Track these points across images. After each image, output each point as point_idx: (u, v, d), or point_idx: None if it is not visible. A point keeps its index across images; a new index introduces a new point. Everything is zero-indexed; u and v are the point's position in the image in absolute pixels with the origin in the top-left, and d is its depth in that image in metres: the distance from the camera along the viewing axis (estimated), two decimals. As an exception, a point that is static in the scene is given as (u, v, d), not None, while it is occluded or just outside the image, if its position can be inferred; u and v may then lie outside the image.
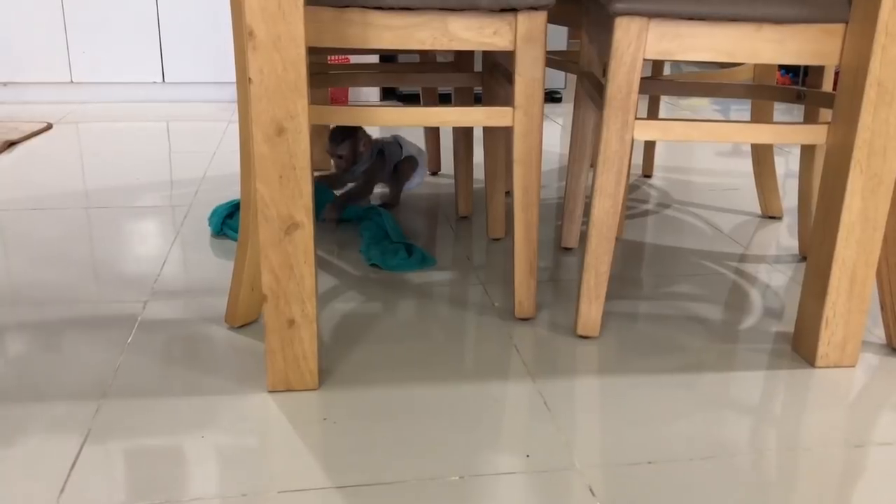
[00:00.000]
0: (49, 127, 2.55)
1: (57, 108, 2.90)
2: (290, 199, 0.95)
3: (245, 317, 1.19)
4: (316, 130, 2.10)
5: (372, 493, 0.84)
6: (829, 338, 1.11)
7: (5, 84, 2.94)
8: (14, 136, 2.35)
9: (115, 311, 1.25)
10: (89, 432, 0.93)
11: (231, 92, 3.10)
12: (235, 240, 1.57)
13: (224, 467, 0.87)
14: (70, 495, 0.82)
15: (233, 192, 1.89)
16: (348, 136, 1.72)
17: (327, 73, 1.73)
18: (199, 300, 1.29)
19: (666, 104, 3.22)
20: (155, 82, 3.01)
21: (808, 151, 1.54)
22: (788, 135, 1.09)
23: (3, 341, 1.15)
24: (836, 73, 1.09)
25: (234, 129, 2.61)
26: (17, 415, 0.96)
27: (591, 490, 0.85)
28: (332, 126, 1.74)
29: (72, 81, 2.95)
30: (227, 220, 1.60)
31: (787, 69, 3.60)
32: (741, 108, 3.22)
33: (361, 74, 1.71)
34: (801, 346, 1.16)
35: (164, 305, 1.27)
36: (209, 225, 1.62)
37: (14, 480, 0.84)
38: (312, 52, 1.65)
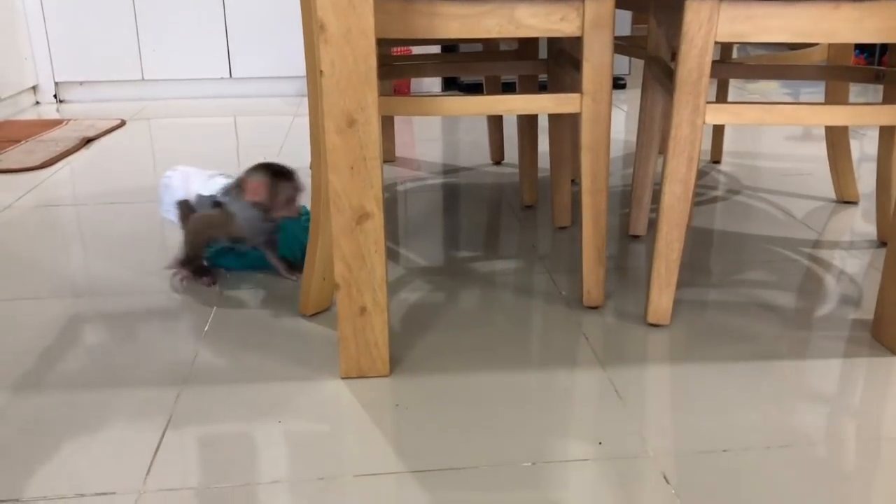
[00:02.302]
0: (122, 124, 2.63)
1: (129, 105, 2.99)
2: (361, 190, 0.97)
3: (317, 305, 1.21)
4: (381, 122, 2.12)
5: (445, 477, 0.85)
6: (912, 325, 1.07)
7: (81, 83, 3.05)
8: (91, 133, 2.44)
9: (190, 301, 1.29)
10: (171, 418, 0.96)
11: (297, 86, 3.14)
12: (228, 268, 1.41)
13: (300, 452, 0.90)
14: (156, 477, 0.85)
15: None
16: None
17: (392, 64, 1.75)
18: (272, 290, 1.32)
19: (734, 89, 3.14)
20: (223, 78, 3.08)
21: (887, 133, 1.49)
22: (867, 116, 1.06)
23: (85, 331, 1.19)
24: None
25: (301, 122, 2.65)
26: (102, 401, 1.00)
27: (665, 477, 0.84)
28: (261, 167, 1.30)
29: (143, 79, 3.04)
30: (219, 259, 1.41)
31: (861, 49, 3.48)
32: (813, 91, 3.12)
33: (427, 65, 1.72)
34: (881, 334, 1.12)
35: (239, 295, 1.30)
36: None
37: (104, 462, 0.88)
38: (378, 43, 1.66)
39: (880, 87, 1.49)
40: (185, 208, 1.34)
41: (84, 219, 1.70)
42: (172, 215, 1.37)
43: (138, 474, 0.86)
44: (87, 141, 2.38)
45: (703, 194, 1.83)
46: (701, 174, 1.99)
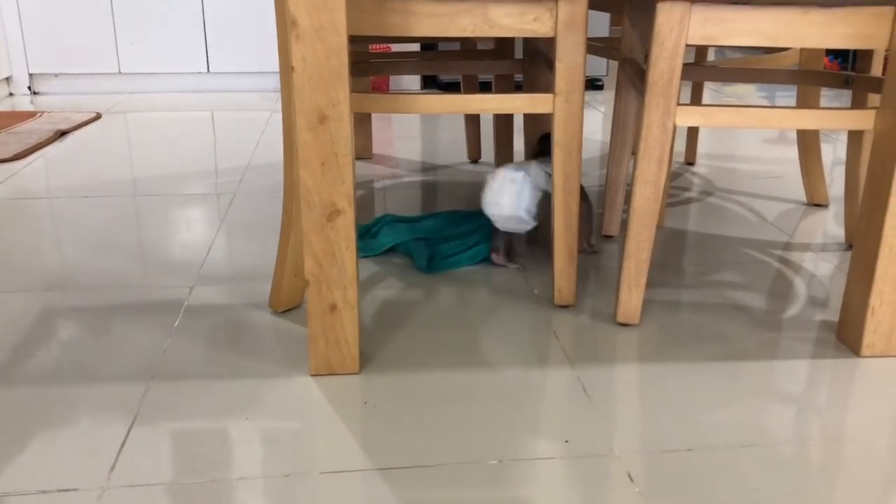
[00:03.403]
0: (98, 117, 2.61)
1: (106, 98, 2.96)
2: (332, 186, 0.97)
3: (288, 302, 1.21)
4: (356, 119, 2.12)
5: (412, 475, 0.85)
6: (875, 327, 1.09)
7: (56, 75, 3.01)
8: (65, 126, 2.41)
9: (162, 296, 1.28)
10: (138, 413, 0.96)
11: (275, 81, 3.13)
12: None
13: (268, 448, 0.89)
14: (120, 473, 0.85)
15: (277, 180, 1.91)
16: None
17: (368, 61, 1.74)
18: (244, 286, 1.32)
19: (710, 91, 3.17)
20: (200, 72, 3.06)
21: (855, 138, 1.51)
22: (835, 120, 1.07)
23: (55, 325, 1.18)
24: (886, 58, 1.07)
25: (278, 118, 2.64)
26: (69, 395, 0.99)
27: (629, 476, 0.85)
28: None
29: (120, 72, 3.01)
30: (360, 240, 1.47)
31: (835, 54, 3.52)
32: (787, 95, 3.16)
33: (403, 63, 1.72)
34: (845, 336, 1.14)
35: (210, 291, 1.30)
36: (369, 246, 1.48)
37: (68, 458, 0.87)
38: (354, 40, 1.66)
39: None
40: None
41: (57, 212, 1.69)
42: (527, 213, 1.30)
43: (103, 470, 0.85)
44: (62, 133, 2.36)
45: (677, 195, 1.84)
46: (675, 176, 2.00)
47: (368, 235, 1.50)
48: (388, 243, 1.45)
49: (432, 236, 1.46)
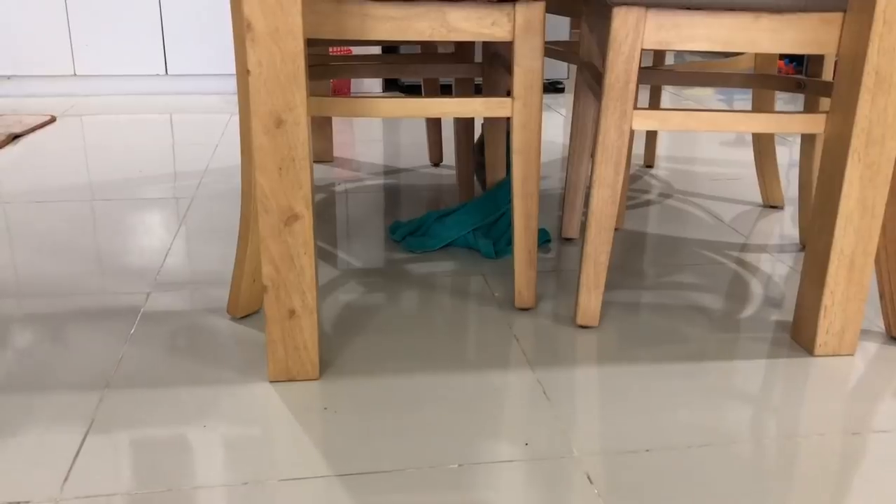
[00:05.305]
0: (53, 120, 2.56)
1: (60, 101, 2.90)
2: (289, 191, 0.96)
3: (247, 308, 1.20)
4: (317, 122, 2.11)
5: (372, 480, 0.85)
6: (828, 326, 1.11)
7: (9, 77, 2.95)
8: (18, 129, 2.36)
9: (118, 302, 1.26)
10: (93, 422, 0.94)
11: (234, 84, 3.10)
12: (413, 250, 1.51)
13: (226, 456, 0.88)
14: (74, 484, 0.83)
15: (236, 184, 1.89)
16: None
17: (328, 64, 1.73)
18: (202, 291, 1.30)
19: (670, 95, 3.21)
20: (158, 75, 3.02)
21: (808, 141, 1.54)
22: (786, 124, 1.09)
23: (8, 332, 1.16)
24: (836, 62, 1.10)
25: (237, 120, 2.62)
26: (21, 404, 0.97)
27: (588, 477, 0.85)
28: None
29: (75, 74, 2.96)
30: (409, 237, 1.54)
31: (791, 58, 3.59)
32: (745, 98, 3.21)
33: (362, 66, 1.71)
34: (799, 335, 1.16)
35: (167, 297, 1.28)
36: (392, 233, 1.58)
37: (19, 469, 0.85)
38: (314, 43, 1.65)
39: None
40: None
41: (11, 217, 1.65)
42: None
43: (56, 481, 0.84)
44: (14, 137, 2.31)
45: (636, 198, 1.86)
46: (634, 178, 2.02)
47: (418, 233, 1.55)
48: (447, 238, 1.51)
49: (480, 224, 1.53)
